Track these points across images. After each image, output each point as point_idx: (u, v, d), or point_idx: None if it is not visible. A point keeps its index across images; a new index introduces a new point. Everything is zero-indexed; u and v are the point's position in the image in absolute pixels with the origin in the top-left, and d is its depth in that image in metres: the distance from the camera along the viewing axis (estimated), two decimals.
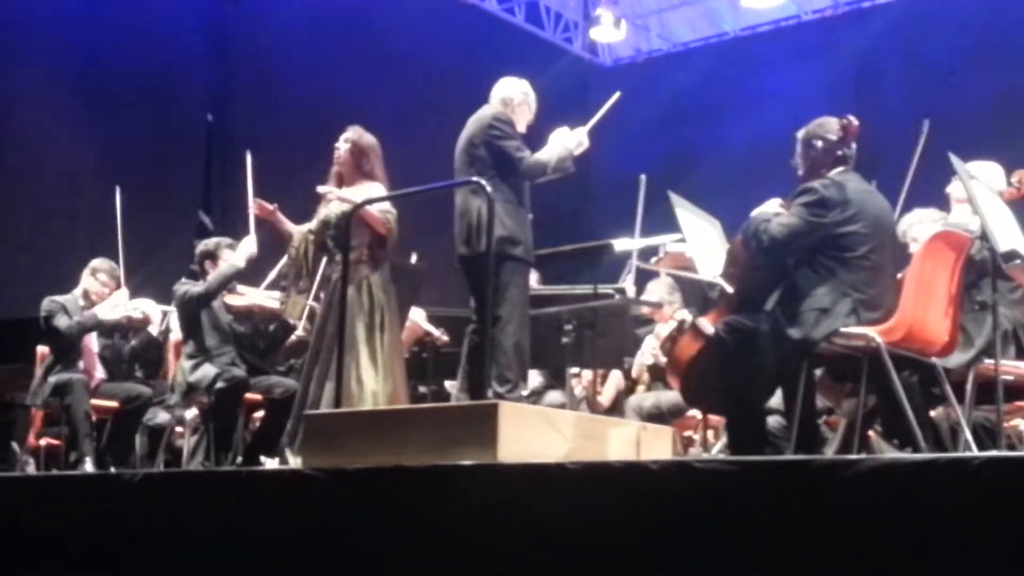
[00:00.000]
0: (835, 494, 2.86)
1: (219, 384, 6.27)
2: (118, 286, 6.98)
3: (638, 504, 3.11)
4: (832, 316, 4.33)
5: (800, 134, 4.73)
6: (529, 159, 5.47)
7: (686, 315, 5.87)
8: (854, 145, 4.63)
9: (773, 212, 4.61)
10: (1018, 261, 4.14)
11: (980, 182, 4.43)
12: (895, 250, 4.70)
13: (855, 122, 4.60)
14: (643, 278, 6.74)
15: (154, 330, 7.21)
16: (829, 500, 2.87)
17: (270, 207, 5.91)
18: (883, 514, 2.79)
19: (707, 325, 4.76)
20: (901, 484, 2.78)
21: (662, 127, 12.49)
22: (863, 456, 3.43)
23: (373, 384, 5.43)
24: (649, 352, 6.61)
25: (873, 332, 4.29)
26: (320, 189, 5.79)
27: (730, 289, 4.83)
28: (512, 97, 5.72)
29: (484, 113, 5.63)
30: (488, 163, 5.47)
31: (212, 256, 6.70)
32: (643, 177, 6.18)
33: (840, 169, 4.57)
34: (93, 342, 6.89)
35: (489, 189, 4.99)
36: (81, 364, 6.69)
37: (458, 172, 5.58)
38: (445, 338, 6.94)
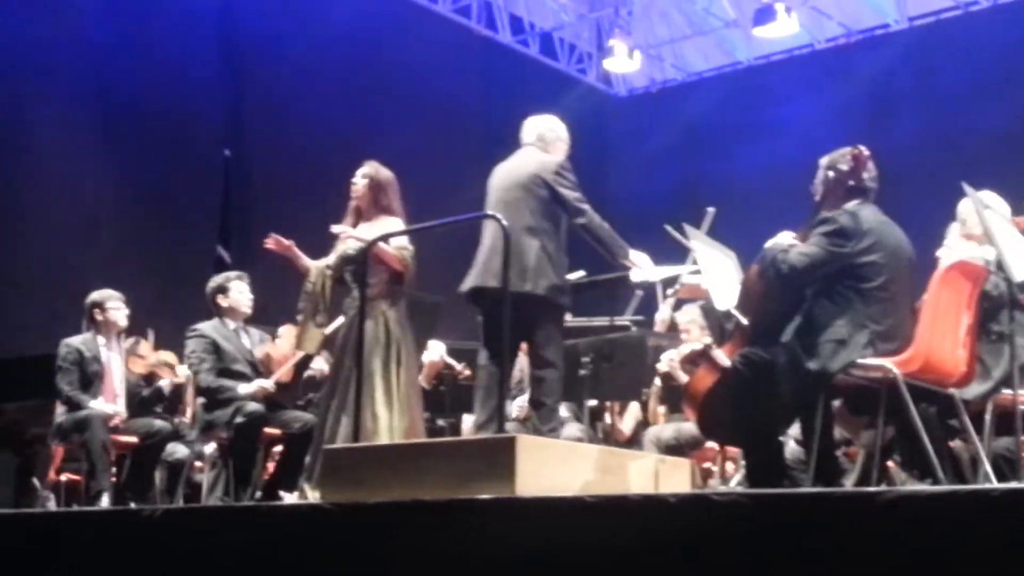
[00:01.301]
0: (855, 526, 2.85)
1: (238, 419, 6.29)
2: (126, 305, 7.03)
3: (656, 537, 3.11)
4: (849, 347, 4.33)
5: (823, 160, 4.75)
6: (593, 214, 5.52)
7: (711, 342, 5.86)
8: (867, 175, 4.63)
9: (788, 243, 4.61)
10: None
11: (994, 211, 4.43)
12: (911, 280, 4.69)
13: (865, 152, 4.63)
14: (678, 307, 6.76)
15: (165, 384, 7.27)
16: (849, 532, 2.86)
17: (287, 242, 5.92)
18: (903, 546, 2.78)
19: (723, 357, 4.77)
20: (921, 516, 2.77)
21: (677, 156, 12.53)
22: (883, 488, 3.42)
23: (388, 419, 5.44)
24: (666, 361, 6.52)
25: (890, 363, 4.28)
26: (335, 229, 5.78)
27: (745, 321, 4.84)
28: (545, 134, 5.70)
29: (548, 158, 5.57)
30: (550, 207, 5.46)
31: (223, 290, 6.76)
32: (710, 210, 6.12)
33: (856, 201, 4.59)
34: (116, 380, 6.90)
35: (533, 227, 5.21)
36: (101, 400, 6.70)
37: (505, 206, 5.39)
38: (467, 372, 6.93)
